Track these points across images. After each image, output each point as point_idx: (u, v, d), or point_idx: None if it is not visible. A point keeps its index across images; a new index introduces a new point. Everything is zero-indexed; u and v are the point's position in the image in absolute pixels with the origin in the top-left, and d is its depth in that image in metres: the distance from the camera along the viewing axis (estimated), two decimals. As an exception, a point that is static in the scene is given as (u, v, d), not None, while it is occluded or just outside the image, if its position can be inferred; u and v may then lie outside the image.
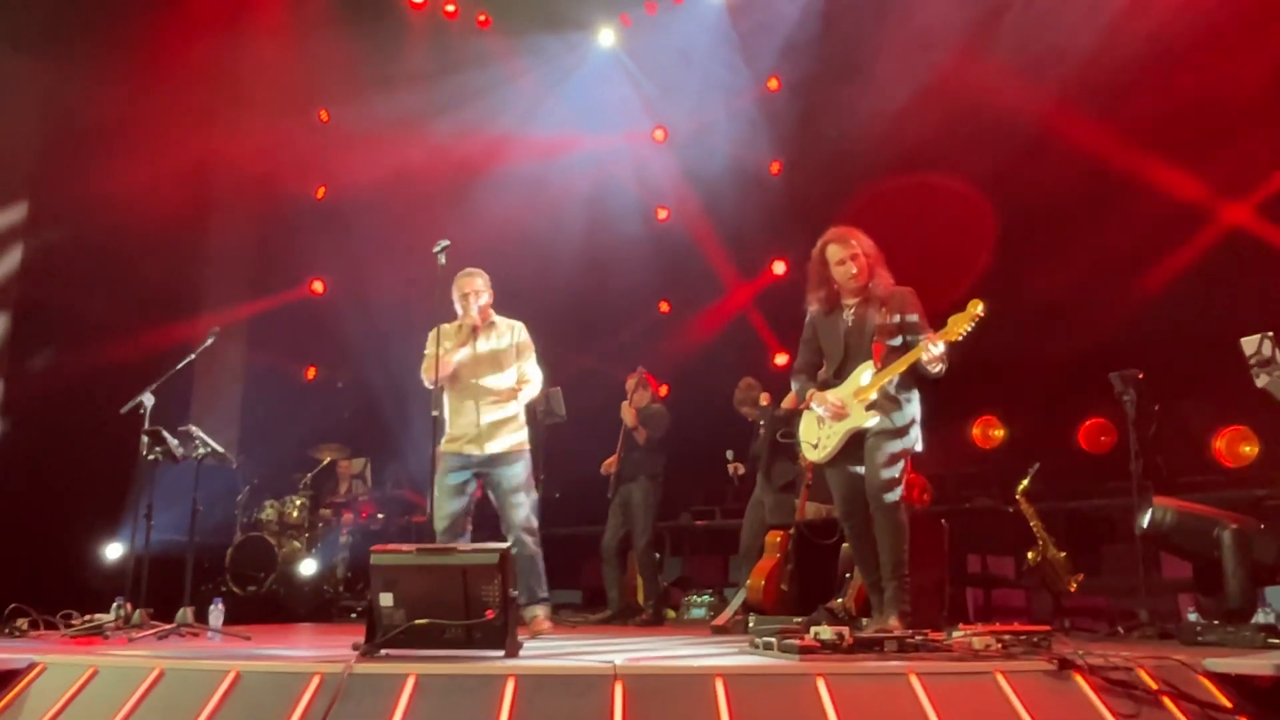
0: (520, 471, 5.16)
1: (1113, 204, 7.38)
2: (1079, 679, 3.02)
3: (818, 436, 4.58)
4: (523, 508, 5.13)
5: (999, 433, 8.47)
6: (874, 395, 4.34)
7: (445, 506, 5.07)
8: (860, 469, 4.43)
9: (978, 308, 4.17)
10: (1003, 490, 6.39)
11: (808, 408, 4.62)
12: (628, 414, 7.13)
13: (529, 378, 5.27)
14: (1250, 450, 6.97)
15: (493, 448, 5.10)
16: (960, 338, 4.19)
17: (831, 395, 4.47)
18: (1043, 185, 7.53)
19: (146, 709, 2.95)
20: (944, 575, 5.58)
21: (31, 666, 3.26)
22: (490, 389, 5.15)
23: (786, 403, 6.41)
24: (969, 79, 7.60)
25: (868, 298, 4.49)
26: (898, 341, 4.40)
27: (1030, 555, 5.66)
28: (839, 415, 4.41)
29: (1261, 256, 6.78)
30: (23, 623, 4.78)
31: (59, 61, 8.10)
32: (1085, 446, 7.83)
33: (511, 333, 5.30)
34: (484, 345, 5.22)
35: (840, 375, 4.52)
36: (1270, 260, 6.78)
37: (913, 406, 4.45)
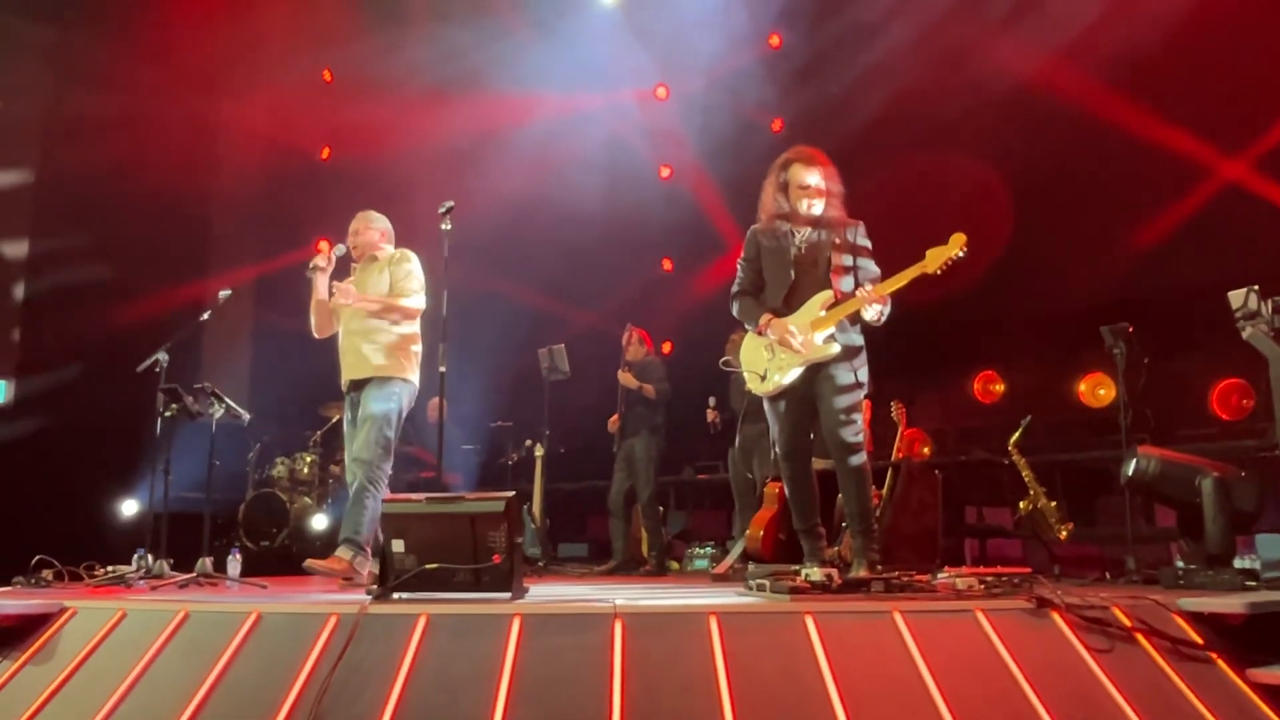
0: (370, 400, 4.96)
1: (1113, 160, 7.42)
2: (1056, 617, 3.15)
3: (765, 366, 4.31)
4: (363, 435, 4.90)
5: (999, 388, 8.61)
6: (832, 328, 4.20)
7: (349, 441, 5.08)
8: (805, 408, 4.30)
9: (960, 243, 4.06)
10: (1002, 444, 6.52)
11: (761, 334, 4.33)
12: (628, 380, 7.23)
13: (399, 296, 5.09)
14: (1247, 403, 7.09)
15: (352, 376, 5.09)
16: (939, 271, 4.09)
17: (790, 323, 4.24)
18: (1044, 142, 7.58)
19: (173, 648, 3.11)
20: (937, 524, 5.72)
21: (62, 610, 3.42)
22: (357, 323, 5.12)
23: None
24: (969, 37, 7.61)
25: (820, 223, 4.35)
26: (849, 262, 4.26)
27: (1022, 504, 5.80)
28: (798, 345, 4.20)
29: (1260, 211, 6.85)
30: (48, 574, 4.93)
31: (66, 25, 8.14)
32: (1084, 401, 7.97)
33: (389, 266, 5.17)
34: (358, 282, 5.21)
35: (790, 304, 4.30)
36: (1269, 214, 6.84)
37: (862, 338, 4.32)
